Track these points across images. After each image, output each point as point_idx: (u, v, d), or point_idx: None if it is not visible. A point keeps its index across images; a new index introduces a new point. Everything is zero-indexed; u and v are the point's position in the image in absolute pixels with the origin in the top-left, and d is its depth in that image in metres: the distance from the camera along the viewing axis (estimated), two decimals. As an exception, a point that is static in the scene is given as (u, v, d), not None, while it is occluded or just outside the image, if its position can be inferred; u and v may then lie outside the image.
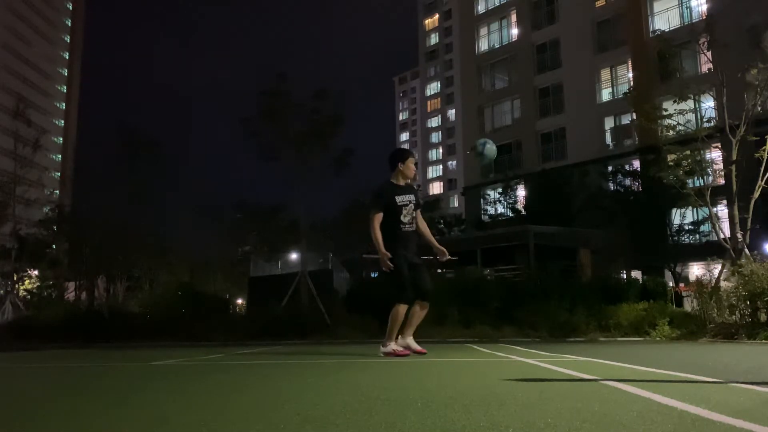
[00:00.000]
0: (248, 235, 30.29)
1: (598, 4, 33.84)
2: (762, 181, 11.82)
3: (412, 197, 5.46)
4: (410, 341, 5.41)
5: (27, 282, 26.93)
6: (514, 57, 37.18)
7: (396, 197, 5.37)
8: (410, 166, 5.54)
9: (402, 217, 5.37)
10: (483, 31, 39.87)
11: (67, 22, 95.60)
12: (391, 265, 5.22)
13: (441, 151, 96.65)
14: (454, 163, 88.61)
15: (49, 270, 26.63)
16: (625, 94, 19.63)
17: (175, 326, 13.76)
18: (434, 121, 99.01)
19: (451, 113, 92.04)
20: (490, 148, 5.63)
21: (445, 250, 5.52)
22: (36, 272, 27.35)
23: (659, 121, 13.56)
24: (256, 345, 10.06)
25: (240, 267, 26.40)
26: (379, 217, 5.35)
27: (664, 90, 14.73)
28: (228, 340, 12.18)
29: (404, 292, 5.29)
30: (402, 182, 5.52)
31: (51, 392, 3.19)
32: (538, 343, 8.78)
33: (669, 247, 22.73)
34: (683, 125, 13.20)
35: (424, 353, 5.32)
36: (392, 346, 5.32)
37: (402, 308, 5.28)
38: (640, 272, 20.01)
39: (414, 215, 5.46)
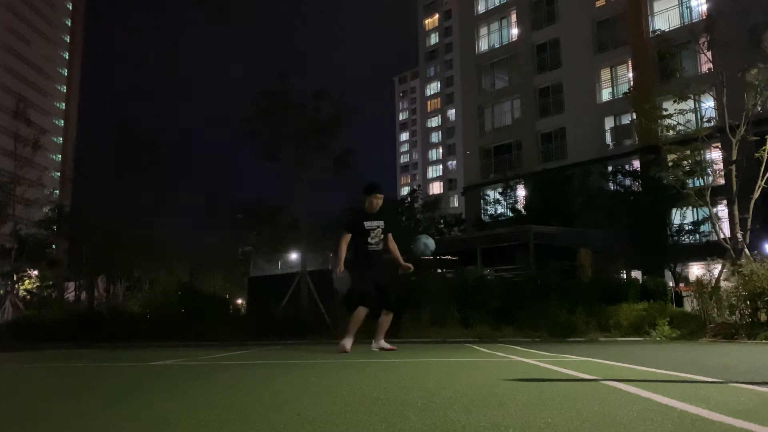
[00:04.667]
0: (248, 235, 30.26)
1: (598, 4, 33.84)
2: (762, 181, 11.82)
3: (381, 223, 6.36)
4: (383, 343, 6.42)
5: (27, 282, 26.89)
6: (514, 57, 37.17)
7: (364, 222, 6.29)
8: (372, 201, 6.39)
9: (369, 239, 6.26)
10: (483, 31, 39.86)
11: (67, 22, 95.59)
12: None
13: (441, 151, 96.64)
14: (454, 163, 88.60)
15: (49, 270, 26.58)
16: (625, 94, 19.63)
17: (175, 326, 13.73)
18: (434, 121, 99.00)
19: (451, 113, 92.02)
20: (429, 244, 6.67)
21: (409, 266, 6.56)
22: (36, 272, 27.31)
23: (659, 121, 13.56)
24: (256, 345, 10.06)
25: (240, 267, 26.39)
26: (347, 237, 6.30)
27: (664, 90, 14.72)
28: (228, 340, 12.17)
29: (353, 302, 6.42)
30: (369, 210, 6.41)
31: (51, 392, 3.19)
32: (538, 343, 8.78)
33: (669, 247, 22.71)
34: (683, 125, 13.19)
35: (395, 350, 6.31)
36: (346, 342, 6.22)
37: (361, 312, 6.25)
38: (640, 272, 19.99)
39: (382, 238, 6.34)
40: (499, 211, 31.99)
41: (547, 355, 5.34)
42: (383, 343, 6.41)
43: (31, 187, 24.24)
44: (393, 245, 6.52)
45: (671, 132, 13.35)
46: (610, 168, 27.43)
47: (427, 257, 6.70)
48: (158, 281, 20.40)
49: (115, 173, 20.68)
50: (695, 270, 22.22)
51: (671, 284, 17.69)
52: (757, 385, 2.64)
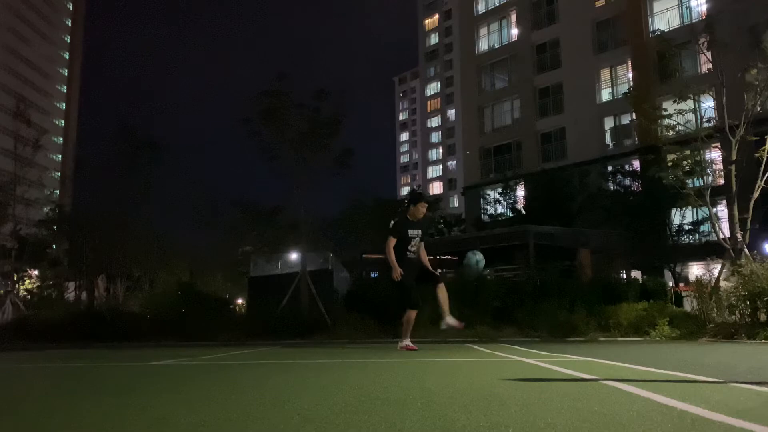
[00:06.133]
0: (248, 235, 30.27)
1: (598, 4, 33.84)
2: (762, 181, 11.82)
3: (419, 232, 6.76)
4: (450, 320, 6.63)
5: (27, 282, 26.88)
6: (514, 57, 37.18)
7: (409, 230, 6.67)
8: (419, 209, 6.75)
9: (410, 246, 6.66)
10: (483, 31, 39.87)
11: (67, 22, 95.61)
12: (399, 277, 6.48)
13: (441, 151, 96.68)
14: (454, 163, 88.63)
15: (49, 270, 26.57)
16: (625, 94, 19.63)
17: (175, 326, 13.73)
18: (434, 121, 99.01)
19: (451, 113, 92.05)
20: (480, 260, 7.47)
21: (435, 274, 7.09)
22: (36, 272, 27.29)
23: (659, 121, 13.56)
24: (256, 345, 10.06)
25: (240, 267, 26.36)
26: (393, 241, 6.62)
27: (664, 90, 14.72)
28: (228, 340, 12.16)
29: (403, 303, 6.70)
30: (413, 218, 6.76)
31: (51, 392, 3.19)
32: (538, 343, 8.77)
33: (669, 247, 22.71)
34: (683, 125, 13.19)
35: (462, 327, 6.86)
36: (406, 342, 6.52)
37: (413, 312, 6.57)
38: (640, 272, 19.98)
39: (419, 245, 6.75)
40: (498, 211, 32.01)
41: (547, 354, 5.34)
42: (451, 320, 6.59)
43: (31, 187, 24.22)
44: (424, 253, 6.91)
45: (671, 132, 13.35)
46: (609, 168, 27.44)
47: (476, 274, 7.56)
48: (158, 281, 20.38)
49: (115, 173, 20.66)
50: (695, 270, 22.19)
51: (671, 284, 17.70)
52: (757, 385, 2.64)
